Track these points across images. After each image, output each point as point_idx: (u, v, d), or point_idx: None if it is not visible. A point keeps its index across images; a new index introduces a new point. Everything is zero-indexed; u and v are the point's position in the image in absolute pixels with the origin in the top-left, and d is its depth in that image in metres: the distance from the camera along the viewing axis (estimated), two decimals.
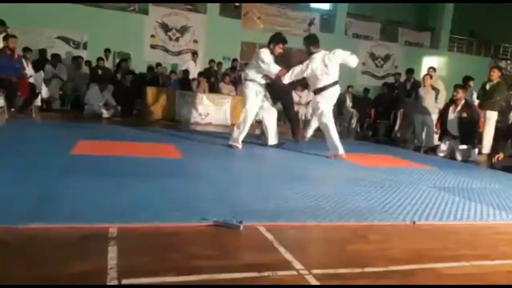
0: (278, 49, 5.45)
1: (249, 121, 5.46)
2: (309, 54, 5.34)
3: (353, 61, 5.36)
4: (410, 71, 9.25)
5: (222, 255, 1.96)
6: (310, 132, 6.03)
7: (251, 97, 5.46)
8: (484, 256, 2.27)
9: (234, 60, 11.65)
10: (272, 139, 5.82)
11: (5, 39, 7.01)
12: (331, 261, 2.02)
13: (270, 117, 5.82)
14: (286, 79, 5.35)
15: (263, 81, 5.54)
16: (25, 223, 2.03)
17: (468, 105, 6.57)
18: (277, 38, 5.51)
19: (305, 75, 5.31)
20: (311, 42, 5.42)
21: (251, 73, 5.48)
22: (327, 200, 3.06)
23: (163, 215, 2.36)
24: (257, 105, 5.57)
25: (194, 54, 11.33)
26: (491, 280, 2.02)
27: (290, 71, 5.31)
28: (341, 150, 5.20)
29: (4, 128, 5.85)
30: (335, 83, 5.31)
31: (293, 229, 2.40)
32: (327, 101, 5.26)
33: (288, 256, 1.97)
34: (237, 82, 10.65)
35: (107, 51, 10.56)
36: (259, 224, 2.36)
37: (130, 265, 1.74)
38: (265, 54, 5.34)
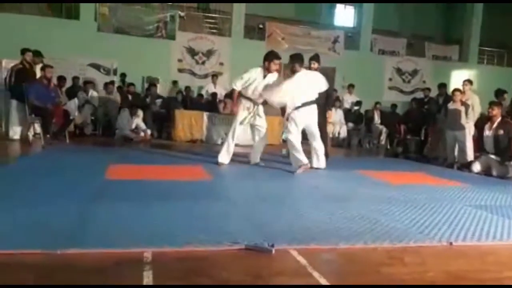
0: (274, 66, 5.52)
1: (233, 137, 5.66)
2: (293, 72, 5.46)
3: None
4: (443, 86, 8.93)
5: (254, 280, 1.95)
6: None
7: (239, 113, 5.63)
8: None
9: None
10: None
11: (42, 69, 7.35)
12: (366, 284, 1.98)
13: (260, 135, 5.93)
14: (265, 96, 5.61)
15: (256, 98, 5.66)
16: (63, 248, 2.09)
17: (504, 122, 6.39)
18: (270, 55, 5.63)
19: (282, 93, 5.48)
20: (296, 61, 5.52)
21: (243, 89, 5.65)
22: (359, 221, 3.00)
23: (194, 239, 2.37)
24: (244, 122, 5.74)
25: (214, 76, 11.51)
26: None
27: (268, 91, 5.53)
28: (305, 161, 5.25)
29: (40, 154, 6.07)
30: (311, 102, 5.49)
31: (326, 253, 2.36)
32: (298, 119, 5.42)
33: (323, 281, 1.94)
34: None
35: (122, 75, 10.87)
36: (290, 248, 2.34)
37: None
38: (248, 72, 5.61)
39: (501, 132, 6.25)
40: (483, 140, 6.48)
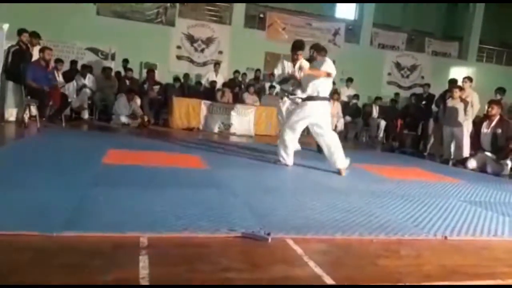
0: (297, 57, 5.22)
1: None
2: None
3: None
4: (453, 82, 8.42)
5: (251, 268, 1.95)
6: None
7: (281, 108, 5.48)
8: None
9: (257, 70, 11.71)
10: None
11: (41, 50, 7.27)
12: (363, 276, 1.99)
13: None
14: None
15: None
16: (60, 231, 2.08)
17: (502, 120, 6.41)
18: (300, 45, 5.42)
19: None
20: (321, 50, 5.17)
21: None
22: (356, 213, 3.01)
23: (192, 225, 2.37)
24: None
25: (216, 64, 11.46)
26: None
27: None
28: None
29: (36, 137, 6.03)
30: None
31: (322, 243, 2.37)
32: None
33: (318, 271, 1.94)
34: (261, 93, 10.70)
35: (125, 61, 10.79)
36: (287, 237, 2.34)
37: (160, 275, 1.75)
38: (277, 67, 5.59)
39: (499, 130, 6.29)
40: (480, 138, 6.51)
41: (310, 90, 4.89)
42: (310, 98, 4.90)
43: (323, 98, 4.88)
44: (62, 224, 2.18)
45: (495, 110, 6.40)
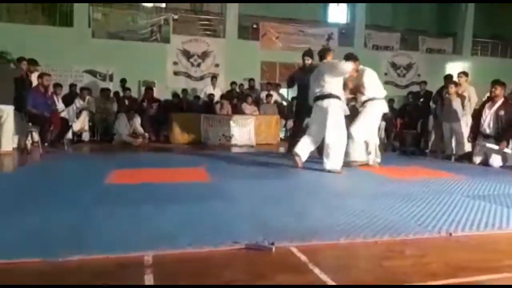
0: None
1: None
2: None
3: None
4: (449, 77, 8.40)
5: (256, 279, 1.96)
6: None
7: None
8: None
9: (251, 80, 11.77)
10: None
11: (39, 76, 7.35)
12: (368, 279, 1.99)
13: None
14: None
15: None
16: (65, 255, 2.10)
17: (506, 103, 6.27)
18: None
19: None
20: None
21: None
22: (359, 216, 3.02)
23: (196, 240, 2.38)
24: None
25: (213, 78, 11.54)
26: None
27: None
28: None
29: (39, 162, 6.08)
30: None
31: (327, 248, 2.37)
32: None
33: (323, 277, 1.95)
34: (259, 102, 10.76)
35: (122, 81, 10.88)
36: (291, 245, 2.35)
37: None
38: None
39: (501, 113, 6.20)
40: (481, 120, 6.39)
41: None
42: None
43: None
44: (65, 248, 2.19)
45: (499, 91, 6.24)
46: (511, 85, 7.29)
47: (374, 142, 5.82)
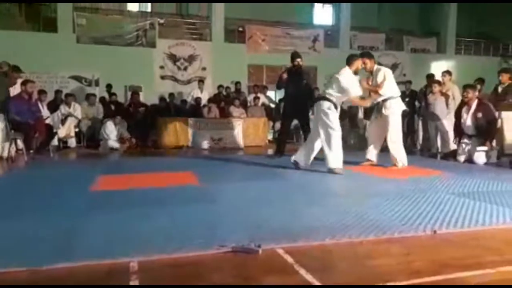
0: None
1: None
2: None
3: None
4: (430, 77, 8.55)
5: (243, 281, 1.97)
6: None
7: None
8: (510, 262, 2.22)
9: (237, 83, 11.77)
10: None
11: (23, 83, 7.25)
12: (353, 278, 2.01)
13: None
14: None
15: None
16: (49, 264, 2.08)
17: (481, 104, 6.42)
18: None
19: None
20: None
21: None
22: (346, 216, 3.04)
23: (183, 245, 2.38)
24: None
25: (200, 81, 11.50)
26: None
27: None
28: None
29: (23, 170, 6.00)
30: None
31: (313, 249, 2.39)
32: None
33: (309, 277, 1.96)
34: (247, 105, 10.76)
35: (108, 86, 10.80)
36: (278, 247, 2.36)
37: None
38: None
39: (479, 115, 6.31)
40: (461, 124, 6.51)
41: None
42: None
43: None
44: (51, 256, 2.17)
45: (471, 94, 6.39)
46: (493, 83, 7.39)
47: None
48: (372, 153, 5.93)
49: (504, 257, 2.30)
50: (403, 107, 5.87)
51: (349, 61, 5.44)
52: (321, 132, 5.22)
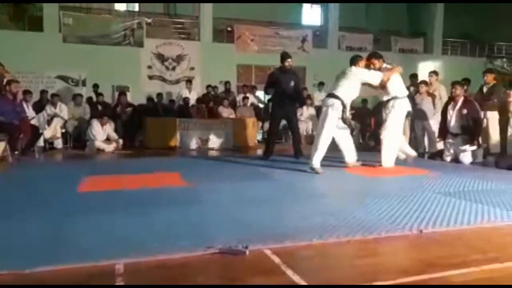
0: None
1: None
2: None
3: None
4: (414, 76, 8.58)
5: (229, 283, 1.96)
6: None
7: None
8: (494, 260, 2.25)
9: (227, 82, 11.75)
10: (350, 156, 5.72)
11: (7, 83, 7.14)
12: (340, 278, 2.01)
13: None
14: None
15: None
16: (33, 267, 2.04)
17: (467, 101, 6.50)
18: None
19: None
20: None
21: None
22: (334, 216, 3.05)
23: (169, 246, 2.35)
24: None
25: (188, 81, 11.44)
26: (502, 283, 2.00)
27: None
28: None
29: (9, 171, 5.90)
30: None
31: (300, 250, 2.39)
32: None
33: (296, 278, 1.96)
34: (236, 105, 10.75)
35: (95, 86, 10.69)
36: (265, 247, 2.35)
37: None
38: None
39: (464, 111, 6.39)
40: (447, 120, 6.59)
41: None
42: None
43: None
44: (35, 259, 2.14)
45: (459, 91, 6.47)
46: (478, 83, 7.49)
47: (401, 141, 5.93)
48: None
49: (487, 256, 2.32)
50: (408, 107, 5.82)
51: (354, 61, 5.57)
52: (319, 127, 5.33)
